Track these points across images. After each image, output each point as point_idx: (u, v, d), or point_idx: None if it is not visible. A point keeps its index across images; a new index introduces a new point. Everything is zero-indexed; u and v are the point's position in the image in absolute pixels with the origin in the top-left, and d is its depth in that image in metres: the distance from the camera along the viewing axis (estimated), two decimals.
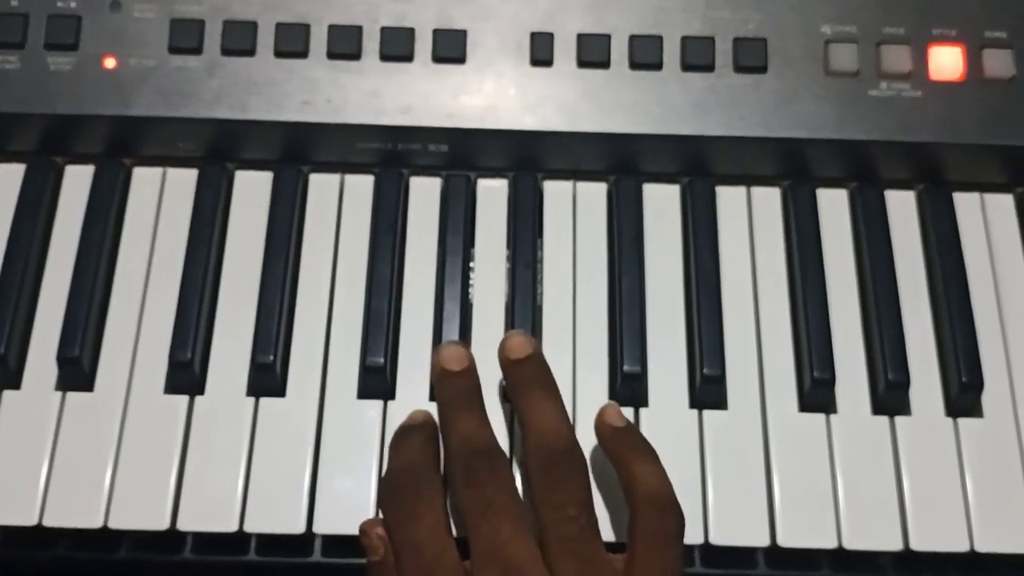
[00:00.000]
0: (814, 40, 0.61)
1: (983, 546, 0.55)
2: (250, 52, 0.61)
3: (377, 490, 0.54)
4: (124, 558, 0.57)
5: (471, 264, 0.61)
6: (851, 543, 0.55)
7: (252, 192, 0.63)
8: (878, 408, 0.58)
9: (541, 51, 0.61)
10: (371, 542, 0.51)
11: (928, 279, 0.61)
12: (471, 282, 0.61)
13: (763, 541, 0.55)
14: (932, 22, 0.61)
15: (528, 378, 0.54)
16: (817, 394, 0.57)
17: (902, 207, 0.63)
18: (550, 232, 0.62)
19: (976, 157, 0.62)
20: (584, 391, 0.58)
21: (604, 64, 0.61)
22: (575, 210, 0.63)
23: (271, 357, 0.57)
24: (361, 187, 0.63)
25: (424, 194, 0.63)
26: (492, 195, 0.63)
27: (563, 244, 0.62)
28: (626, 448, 0.52)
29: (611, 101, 0.61)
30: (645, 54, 0.61)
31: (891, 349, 0.58)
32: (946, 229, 0.62)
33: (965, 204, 0.63)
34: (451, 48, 0.61)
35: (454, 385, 0.54)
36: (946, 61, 0.61)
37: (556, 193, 0.63)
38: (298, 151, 0.62)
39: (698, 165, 0.63)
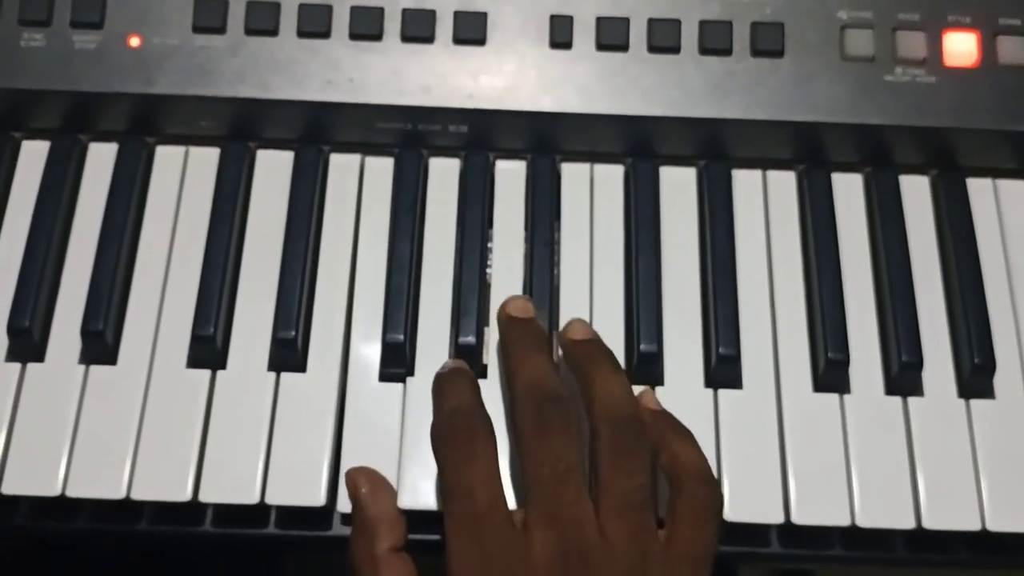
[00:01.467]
0: (830, 25, 0.62)
1: (994, 525, 0.55)
2: (273, 32, 0.61)
3: (430, 432, 0.53)
4: (145, 530, 0.58)
5: (489, 244, 0.62)
6: (864, 521, 0.55)
7: (273, 171, 0.63)
8: (891, 389, 0.59)
9: (560, 33, 0.62)
10: (347, 486, 0.54)
11: (941, 263, 0.62)
12: (489, 262, 0.62)
13: (777, 518, 0.56)
14: (947, 8, 0.62)
15: (593, 354, 0.54)
16: (831, 374, 0.58)
17: (916, 192, 0.64)
18: (567, 213, 0.63)
19: (990, 143, 0.62)
20: None
21: (623, 47, 0.62)
22: (592, 192, 0.64)
23: (292, 333, 0.58)
24: (381, 167, 0.64)
25: (443, 174, 0.64)
26: (510, 176, 0.64)
27: (580, 225, 0.63)
28: (667, 429, 0.53)
29: (629, 84, 0.61)
30: (663, 37, 0.61)
31: (904, 331, 0.59)
32: (959, 214, 0.63)
33: (978, 189, 0.64)
34: (471, 30, 0.61)
35: (522, 328, 0.55)
36: (961, 47, 0.62)
37: (574, 175, 0.64)
38: (319, 131, 0.63)
39: (715, 148, 0.63)
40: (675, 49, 0.62)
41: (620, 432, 0.50)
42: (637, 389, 0.55)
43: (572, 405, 0.51)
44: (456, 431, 0.51)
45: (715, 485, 0.52)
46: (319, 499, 0.55)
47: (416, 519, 0.55)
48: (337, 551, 0.56)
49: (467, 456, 0.50)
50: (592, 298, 0.61)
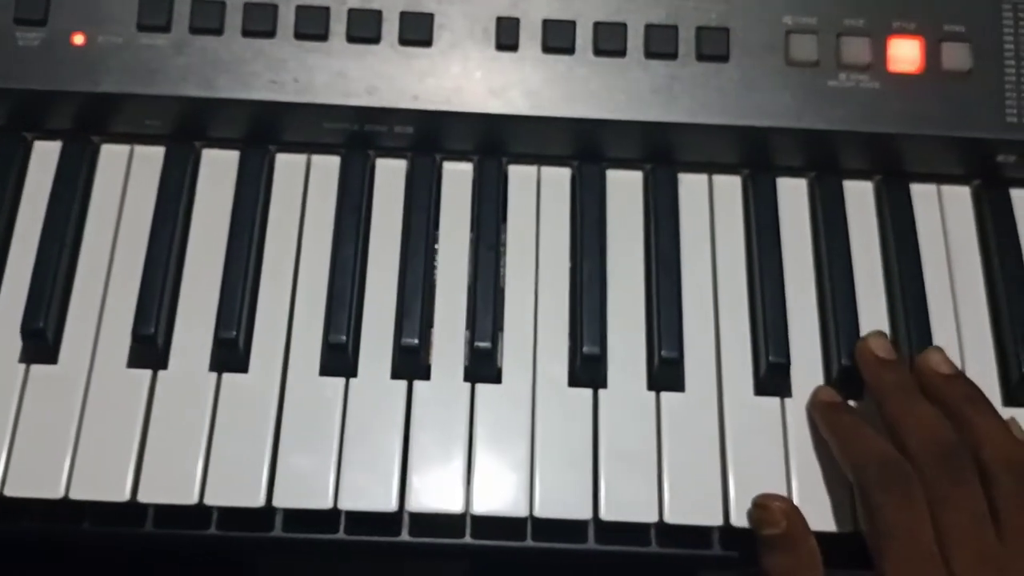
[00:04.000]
0: (775, 30, 0.62)
1: None
2: (218, 31, 0.61)
3: (853, 475, 0.54)
4: (88, 531, 0.57)
5: (435, 245, 0.62)
6: None
7: (219, 170, 0.63)
8: None
9: (507, 36, 0.62)
10: (771, 515, 0.54)
11: (884, 268, 0.62)
12: (435, 263, 0.61)
13: (716, 520, 0.56)
14: (892, 15, 0.62)
15: (969, 395, 0.56)
16: (772, 378, 0.58)
17: (860, 197, 0.64)
18: (514, 215, 0.63)
19: (933, 149, 0.63)
20: (544, 372, 0.59)
21: (569, 50, 0.62)
22: (539, 194, 0.64)
23: (233, 333, 0.57)
24: (327, 167, 0.63)
25: (390, 175, 0.64)
26: (458, 178, 0.64)
27: (527, 227, 0.63)
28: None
29: (575, 86, 0.61)
30: (609, 41, 0.62)
31: (845, 335, 0.59)
32: (903, 220, 0.63)
33: (922, 195, 0.64)
34: (417, 31, 0.61)
35: (896, 373, 0.56)
36: (905, 53, 0.62)
37: (521, 177, 0.64)
38: (265, 130, 0.63)
39: (661, 152, 0.64)
40: (621, 52, 0.62)
41: (1016, 476, 0.52)
42: None
43: (967, 451, 0.53)
44: (892, 478, 0.52)
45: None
46: (258, 500, 0.55)
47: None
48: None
49: (908, 502, 0.52)
50: (537, 300, 0.61)
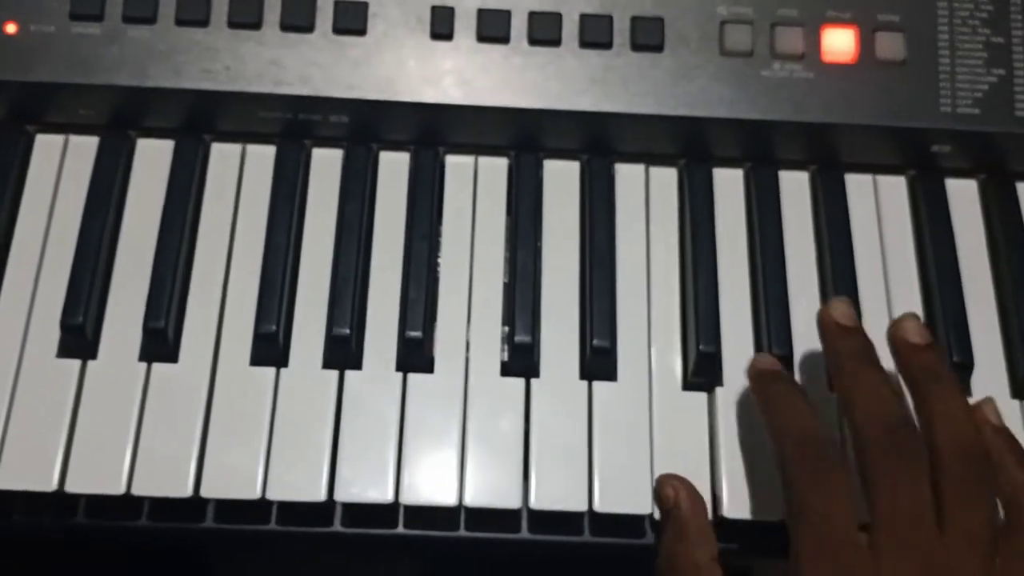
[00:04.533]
0: (710, 20, 0.62)
1: None
2: (151, 20, 0.61)
3: (773, 441, 0.52)
4: (17, 522, 0.57)
5: (371, 235, 0.62)
6: (731, 512, 0.56)
7: (153, 160, 0.63)
8: None
9: (441, 25, 0.61)
10: (666, 493, 0.54)
11: (818, 259, 0.62)
12: (370, 253, 0.61)
13: (646, 509, 0.56)
14: (826, 4, 0.62)
15: (932, 367, 0.52)
16: (703, 367, 0.58)
17: (796, 188, 0.64)
18: (450, 206, 0.63)
19: (868, 138, 0.63)
20: (477, 362, 0.59)
21: (504, 39, 0.62)
22: (476, 184, 0.64)
23: (162, 323, 0.57)
24: (263, 157, 0.63)
25: (326, 165, 0.63)
26: (394, 168, 0.64)
27: (463, 217, 0.63)
28: (1008, 451, 0.51)
29: (510, 76, 0.61)
30: (544, 30, 0.61)
31: (777, 325, 0.59)
32: (837, 210, 0.63)
33: (858, 185, 0.64)
34: (351, 19, 0.61)
35: (854, 341, 0.53)
36: (839, 43, 0.62)
37: (458, 167, 0.64)
38: (200, 120, 0.63)
39: (598, 142, 0.64)
40: (556, 42, 0.62)
41: (967, 466, 0.48)
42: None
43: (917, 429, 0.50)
44: (807, 454, 0.50)
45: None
46: (186, 491, 0.55)
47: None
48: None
49: (823, 481, 0.49)
50: (471, 290, 0.61)
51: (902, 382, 0.53)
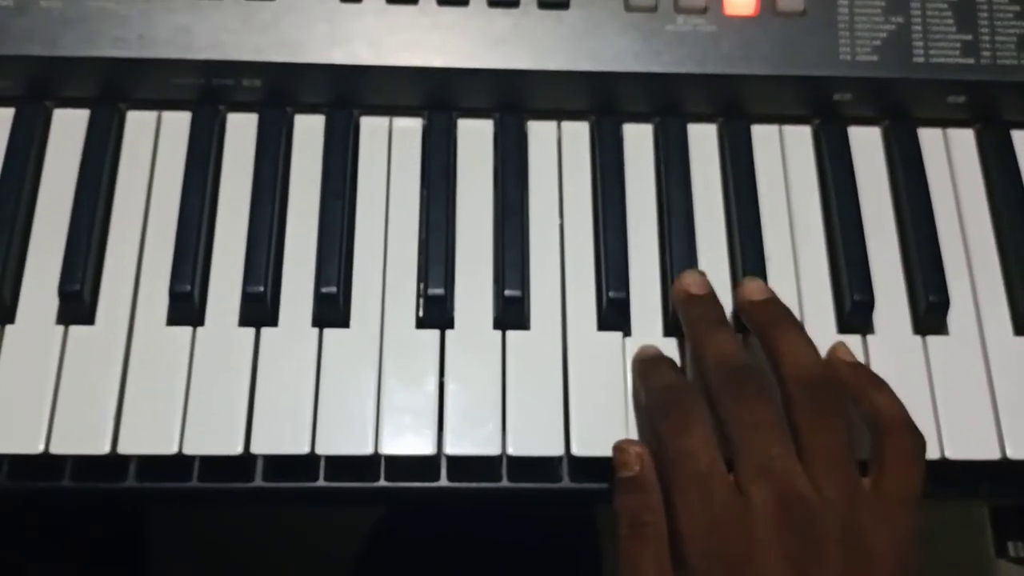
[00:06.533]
0: None
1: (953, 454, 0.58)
2: None
3: (645, 409, 0.56)
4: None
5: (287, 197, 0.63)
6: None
7: (70, 129, 0.64)
8: (669, 331, 0.61)
9: None
10: (627, 457, 0.55)
11: (725, 208, 0.64)
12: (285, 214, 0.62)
13: (559, 451, 0.57)
14: None
15: (774, 316, 0.57)
16: (612, 313, 0.60)
17: (703, 139, 0.66)
18: (364, 165, 0.64)
19: (771, 89, 0.64)
20: (392, 315, 0.60)
21: (412, 0, 0.63)
22: (390, 145, 0.65)
23: (77, 286, 0.58)
24: (178, 123, 0.64)
25: (241, 130, 0.64)
26: (309, 130, 0.65)
27: (377, 177, 0.64)
28: (865, 382, 0.55)
29: (419, 36, 0.63)
30: None
31: (681, 271, 0.60)
32: (743, 159, 0.64)
33: (764, 136, 0.66)
34: None
35: (703, 306, 0.57)
36: None
37: (372, 128, 0.65)
38: (115, 88, 0.63)
39: (509, 100, 0.65)
40: (464, 2, 0.63)
41: (813, 392, 0.53)
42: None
43: (761, 374, 0.54)
44: (671, 406, 0.54)
45: (917, 432, 0.53)
46: (104, 447, 0.56)
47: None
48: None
49: (686, 427, 0.52)
50: (386, 247, 0.62)
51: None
